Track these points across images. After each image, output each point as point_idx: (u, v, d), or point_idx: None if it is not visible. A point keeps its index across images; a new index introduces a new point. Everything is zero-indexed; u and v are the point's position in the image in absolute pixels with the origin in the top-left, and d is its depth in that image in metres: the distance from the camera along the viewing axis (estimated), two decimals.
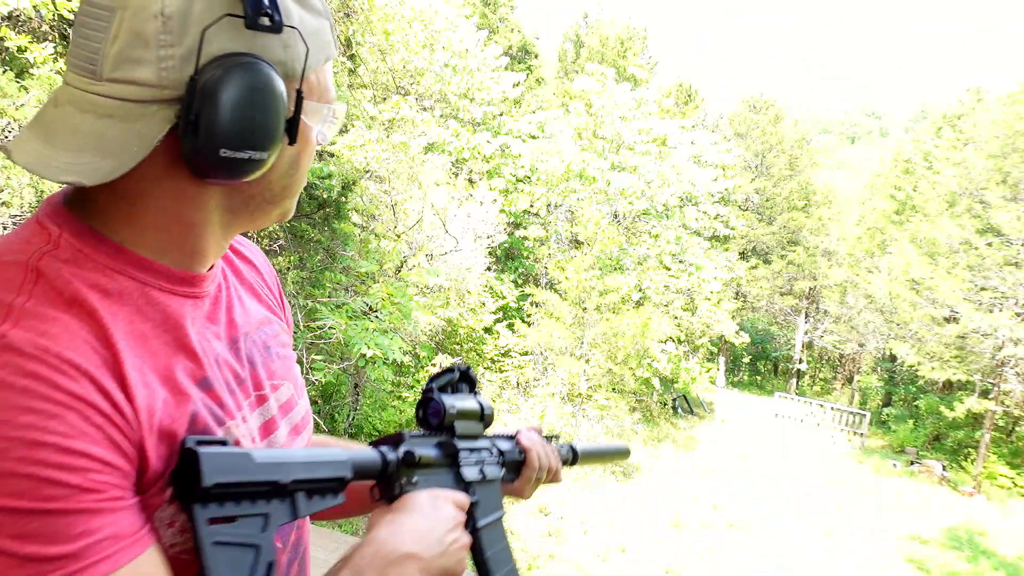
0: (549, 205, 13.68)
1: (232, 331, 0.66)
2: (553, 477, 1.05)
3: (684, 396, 17.20)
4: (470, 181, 11.96)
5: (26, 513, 0.43)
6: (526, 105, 18.95)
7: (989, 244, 14.88)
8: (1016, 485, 14.61)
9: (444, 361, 9.83)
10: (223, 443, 0.54)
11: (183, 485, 0.52)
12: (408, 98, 9.10)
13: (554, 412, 10.99)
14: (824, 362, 29.60)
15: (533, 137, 13.79)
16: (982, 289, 14.82)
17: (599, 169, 13.35)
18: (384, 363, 6.36)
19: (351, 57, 7.31)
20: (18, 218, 3.83)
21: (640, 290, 13.16)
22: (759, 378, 29.31)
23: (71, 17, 4.24)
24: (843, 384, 27.75)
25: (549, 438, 1.08)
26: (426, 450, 0.79)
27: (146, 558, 0.48)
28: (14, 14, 3.88)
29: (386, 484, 0.74)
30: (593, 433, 11.15)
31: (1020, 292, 14.19)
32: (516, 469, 0.99)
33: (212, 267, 0.63)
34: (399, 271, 8.18)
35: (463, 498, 0.78)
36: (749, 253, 26.48)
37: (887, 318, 18.78)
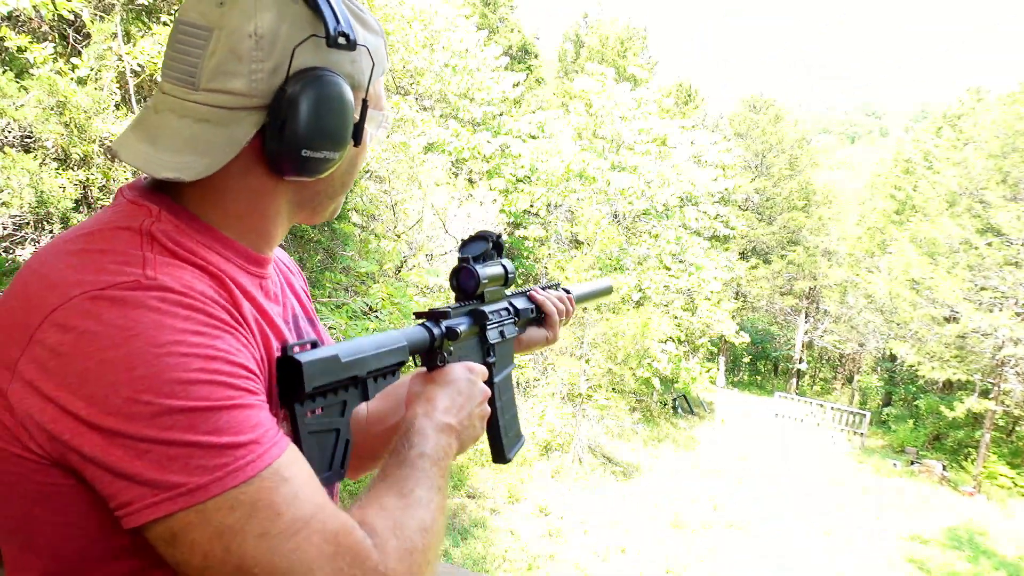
0: (549, 205, 13.66)
1: (285, 313, 0.75)
2: (568, 318, 1.20)
3: (684, 396, 17.20)
4: (470, 181, 11.95)
5: (216, 410, 0.50)
6: (526, 105, 18.93)
7: (989, 244, 14.88)
8: (1016, 485, 14.60)
9: None
10: (314, 344, 0.63)
11: (284, 388, 0.61)
12: (408, 98, 9.10)
13: (554, 412, 10.99)
14: (824, 362, 29.58)
15: (533, 137, 13.77)
16: (982, 289, 14.82)
17: (599, 169, 13.33)
18: None
19: None
20: (18, 218, 3.83)
21: (640, 290, 13.15)
22: (759, 378, 29.30)
23: (71, 17, 4.24)
24: (843, 384, 27.74)
25: (550, 286, 1.22)
26: (462, 324, 0.89)
27: (293, 446, 0.56)
28: (14, 14, 3.88)
29: (430, 355, 0.84)
30: (593, 433, 11.15)
31: (1020, 292, 14.18)
32: (528, 324, 1.12)
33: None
34: (399, 271, 8.18)
35: (485, 372, 0.87)
36: (749, 253, 26.46)
37: (887, 318, 18.78)
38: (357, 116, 0.67)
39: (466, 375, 0.82)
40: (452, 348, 0.86)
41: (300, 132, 0.60)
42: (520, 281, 14.10)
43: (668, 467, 12.06)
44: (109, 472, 0.48)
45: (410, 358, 0.82)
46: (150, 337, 0.49)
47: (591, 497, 9.65)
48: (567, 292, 1.24)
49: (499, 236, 1.00)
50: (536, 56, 23.13)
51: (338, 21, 0.61)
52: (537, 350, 1.18)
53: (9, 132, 3.94)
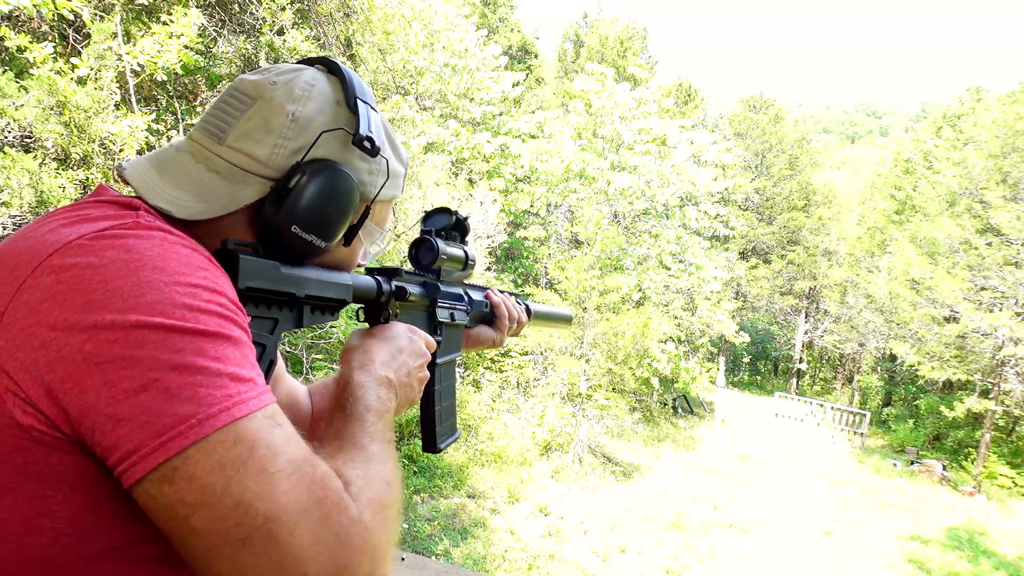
0: (549, 205, 13.66)
1: None
2: (518, 328, 1.20)
3: (684, 396, 17.19)
4: (470, 181, 11.95)
5: (223, 339, 0.49)
6: (526, 105, 18.94)
7: (989, 244, 14.87)
8: (1016, 485, 14.60)
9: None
10: (256, 249, 0.63)
11: None
12: (408, 98, 9.09)
13: (554, 412, 10.98)
14: (824, 362, 29.58)
15: (533, 137, 13.77)
16: (982, 289, 14.81)
17: (599, 169, 13.34)
18: None
19: (351, 57, 7.31)
20: (18, 218, 3.83)
21: (640, 290, 13.15)
22: (759, 378, 29.30)
23: (71, 17, 4.23)
24: (843, 384, 27.74)
25: (513, 294, 1.22)
26: (413, 288, 0.88)
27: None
28: (14, 14, 3.88)
29: (374, 310, 0.83)
30: (593, 433, 11.15)
31: (1020, 292, 14.17)
32: (479, 320, 1.11)
33: None
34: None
35: (432, 341, 0.87)
36: (749, 253, 26.46)
37: (887, 318, 18.78)
38: (356, 220, 0.71)
39: (407, 333, 0.82)
40: (398, 310, 0.85)
41: (297, 210, 0.63)
42: (520, 281, 14.10)
43: (668, 467, 12.06)
44: (112, 417, 0.45)
45: (356, 312, 0.83)
46: (157, 267, 0.49)
47: (591, 497, 9.65)
48: (527, 307, 1.25)
49: (465, 217, 1.00)
50: (536, 56, 23.12)
51: (370, 129, 0.67)
52: (481, 349, 1.17)
53: (9, 132, 3.94)
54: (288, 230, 0.64)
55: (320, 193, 0.64)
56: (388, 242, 0.87)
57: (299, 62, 0.72)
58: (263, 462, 0.47)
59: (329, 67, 0.71)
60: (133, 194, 0.63)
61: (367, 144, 0.66)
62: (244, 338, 0.52)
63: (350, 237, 0.72)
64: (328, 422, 0.65)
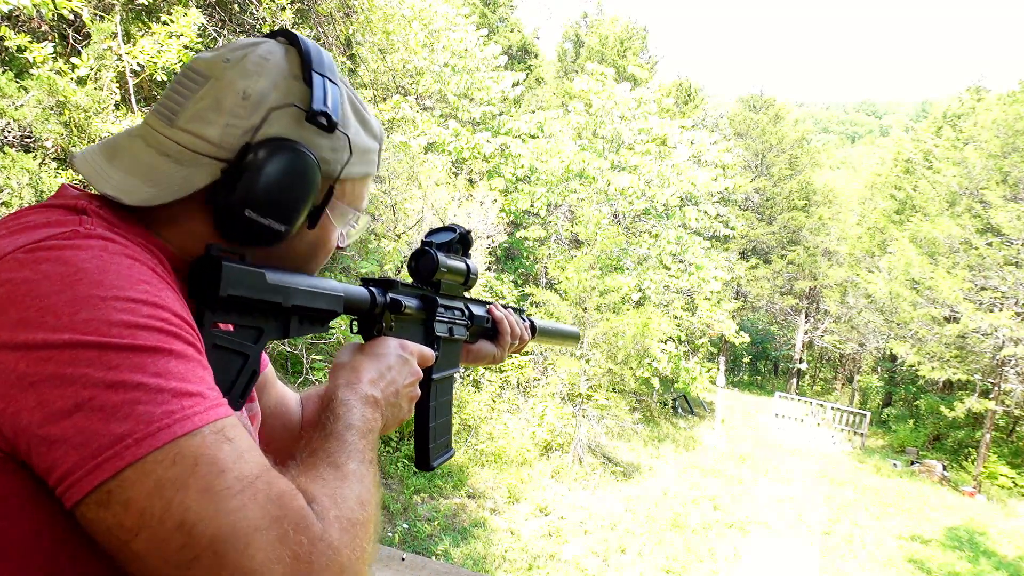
0: (549, 205, 13.66)
1: None
2: (520, 345, 1.16)
3: (684, 396, 17.19)
4: (470, 181, 11.95)
5: (165, 354, 0.47)
6: (526, 105, 18.93)
7: (989, 244, 14.87)
8: (1017, 485, 14.60)
9: None
10: (242, 256, 0.61)
11: (198, 287, 0.58)
12: (408, 98, 9.09)
13: (554, 412, 10.98)
14: (824, 362, 29.59)
15: (533, 137, 13.77)
16: (982, 289, 14.81)
17: (599, 169, 13.33)
18: None
19: (351, 57, 7.31)
20: None
21: (640, 290, 13.15)
22: (759, 378, 29.30)
23: (71, 17, 4.23)
24: (843, 384, 27.74)
25: (516, 310, 1.18)
26: (410, 301, 0.85)
27: (236, 417, 0.52)
28: (14, 14, 3.88)
29: (367, 322, 0.80)
30: (593, 433, 11.15)
31: (1020, 292, 14.18)
32: (480, 335, 1.08)
33: None
34: (399, 272, 8.17)
35: (429, 354, 0.83)
36: (749, 253, 26.47)
37: (887, 318, 18.78)
38: (319, 200, 0.67)
39: (398, 351, 0.79)
40: (393, 324, 0.82)
41: (250, 192, 0.60)
42: (520, 281, 14.11)
43: (668, 467, 12.06)
44: (45, 439, 0.43)
45: (349, 324, 0.81)
46: (94, 281, 0.46)
47: (591, 497, 9.64)
48: (531, 322, 1.23)
49: (468, 232, 0.98)
50: (536, 56, 23.12)
51: (325, 103, 0.63)
52: (481, 365, 1.14)
53: (9, 132, 3.94)
54: (243, 214, 0.60)
55: (273, 173, 0.61)
56: (367, 224, 0.84)
57: (261, 36, 0.68)
58: (207, 480, 0.45)
59: (289, 39, 0.67)
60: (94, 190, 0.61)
61: (322, 120, 0.63)
62: (191, 352, 0.50)
63: (314, 219, 0.68)
64: (307, 439, 0.63)
